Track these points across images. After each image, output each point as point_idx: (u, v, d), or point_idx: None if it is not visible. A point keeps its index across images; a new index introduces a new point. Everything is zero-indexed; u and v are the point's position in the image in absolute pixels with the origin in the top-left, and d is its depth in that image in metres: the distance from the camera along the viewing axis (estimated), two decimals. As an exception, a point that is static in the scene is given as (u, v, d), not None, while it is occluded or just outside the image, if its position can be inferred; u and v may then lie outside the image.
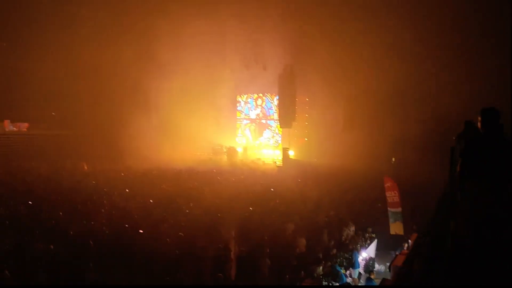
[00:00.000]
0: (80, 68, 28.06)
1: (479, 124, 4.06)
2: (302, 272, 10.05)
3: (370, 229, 14.09)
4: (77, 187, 19.17)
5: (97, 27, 26.58)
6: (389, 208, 14.40)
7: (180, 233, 12.04)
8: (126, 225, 12.67)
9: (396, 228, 13.98)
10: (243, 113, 33.55)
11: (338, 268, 10.45)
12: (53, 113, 33.14)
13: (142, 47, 26.94)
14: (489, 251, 3.70)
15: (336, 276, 10.23)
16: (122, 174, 23.94)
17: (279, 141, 31.45)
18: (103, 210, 14.67)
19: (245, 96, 33.26)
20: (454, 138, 6.24)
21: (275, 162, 30.01)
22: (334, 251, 11.66)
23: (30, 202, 15.05)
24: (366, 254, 12.81)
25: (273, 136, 32.25)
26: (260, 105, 32.77)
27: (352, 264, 11.42)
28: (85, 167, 25.30)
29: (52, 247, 10.44)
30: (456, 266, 3.72)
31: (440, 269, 3.51)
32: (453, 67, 19.29)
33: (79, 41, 27.04)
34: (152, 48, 26.78)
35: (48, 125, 31.37)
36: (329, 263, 10.57)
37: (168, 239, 11.70)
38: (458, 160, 4.17)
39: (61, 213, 13.78)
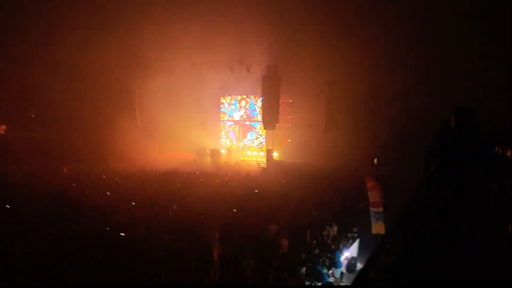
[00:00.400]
0: (62, 68, 27.54)
1: (452, 123, 4.16)
2: (286, 273, 10.11)
3: (355, 229, 14.28)
4: (58, 190, 18.87)
5: (79, 27, 26.13)
6: (371, 208, 14.61)
7: (164, 235, 11.98)
8: (108, 228, 12.54)
9: (378, 227, 14.19)
10: (227, 115, 33.54)
11: (319, 268, 10.56)
12: (32, 115, 32.47)
13: (125, 46, 26.53)
14: (463, 248, 3.82)
15: (318, 276, 10.34)
16: (104, 176, 23.65)
17: (263, 143, 31.53)
18: (85, 213, 14.47)
19: (229, 97, 33.26)
20: (431, 138, 6.39)
21: (259, 163, 30.10)
22: (317, 251, 11.77)
23: (7, 206, 14.74)
24: (348, 253, 12.98)
25: (257, 138, 32.32)
26: (244, 107, 32.82)
27: (335, 263, 11.55)
28: (65, 171, 24.89)
29: (32, 251, 10.26)
30: (429, 262, 3.82)
31: (412, 264, 3.60)
32: (431, 69, 19.68)
33: (60, 41, 26.56)
34: (136, 48, 26.44)
35: (27, 127, 30.65)
36: (310, 264, 10.68)
37: (151, 241, 11.64)
38: (434, 159, 4.29)
39: (41, 217, 13.55)
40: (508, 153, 7.10)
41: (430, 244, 4.15)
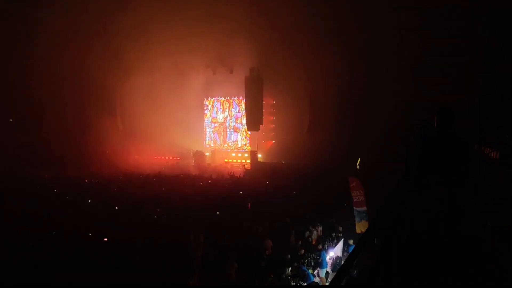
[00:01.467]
0: (40, 70, 26.98)
1: (435, 124, 4.21)
2: (271, 274, 10.10)
3: (340, 228, 14.36)
4: (38, 196, 18.49)
5: (58, 26, 25.57)
6: (354, 207, 14.71)
7: (148, 239, 11.85)
8: (90, 234, 12.34)
9: (362, 226, 14.29)
10: (210, 117, 33.40)
11: (304, 268, 10.58)
12: (10, 119, 31.74)
13: (105, 46, 26.02)
14: (442, 245, 3.87)
15: (303, 276, 10.36)
16: (86, 180, 23.29)
17: (247, 144, 31.52)
18: (66, 219, 14.19)
19: (212, 99, 33.14)
20: (411, 137, 6.48)
21: (244, 165, 30.08)
22: (302, 251, 11.80)
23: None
24: (333, 253, 13.04)
25: (241, 139, 32.29)
26: (228, 108, 32.74)
27: (320, 263, 11.59)
28: (45, 176, 24.40)
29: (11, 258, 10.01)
30: (409, 260, 3.87)
31: (392, 263, 3.63)
32: (411, 69, 19.98)
33: (38, 42, 26.01)
34: (116, 48, 26.00)
35: (4, 132, 29.88)
36: (296, 264, 10.69)
37: (136, 246, 11.50)
38: (415, 158, 4.33)
39: (19, 224, 13.24)
40: (487, 152, 7.27)
41: (409, 242, 4.19)
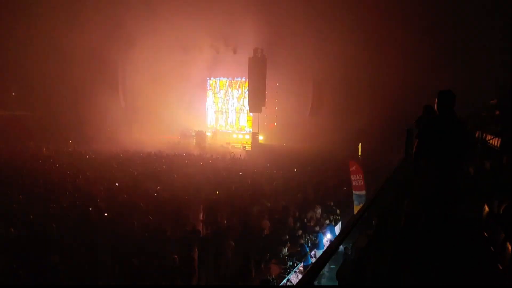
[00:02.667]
0: (42, 45, 26.72)
1: (435, 106, 4.18)
2: (268, 253, 10.22)
3: (338, 211, 14.45)
4: (40, 170, 18.62)
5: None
6: (354, 191, 14.79)
7: (149, 217, 11.96)
8: (90, 208, 12.44)
9: (360, 210, 14.40)
10: (213, 97, 33.25)
11: (307, 248, 10.69)
12: (13, 94, 31.69)
13: (108, 20, 25.60)
14: (441, 226, 3.89)
15: (303, 255, 10.48)
16: (87, 156, 23.38)
17: (249, 126, 31.43)
18: (66, 193, 14.32)
19: (215, 79, 32.93)
20: (414, 121, 6.48)
21: (245, 146, 30.08)
22: (300, 232, 11.90)
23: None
24: (331, 235, 13.16)
25: (243, 121, 32.21)
26: (230, 88, 32.57)
27: (317, 245, 11.71)
28: (44, 151, 24.47)
29: (12, 230, 10.14)
30: (403, 242, 3.89)
31: (386, 244, 3.66)
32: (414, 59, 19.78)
33: (40, 15, 25.64)
34: (120, 22, 25.64)
35: (6, 106, 29.86)
36: (299, 242, 10.81)
37: (135, 222, 11.61)
38: (415, 141, 4.32)
39: (20, 196, 13.37)
40: (487, 138, 7.25)
41: (405, 224, 4.22)
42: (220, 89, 33.01)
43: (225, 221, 11.78)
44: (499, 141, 6.74)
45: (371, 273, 3.43)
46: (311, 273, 2.42)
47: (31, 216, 11.37)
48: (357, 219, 3.35)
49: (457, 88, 4.35)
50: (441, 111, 4.03)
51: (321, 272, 2.65)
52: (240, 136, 31.79)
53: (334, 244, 2.85)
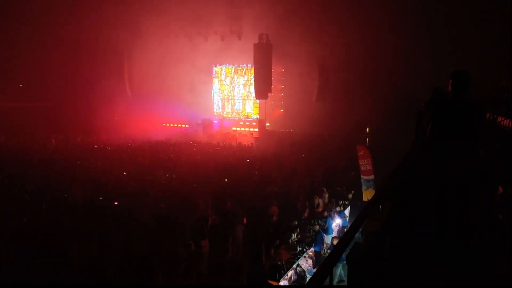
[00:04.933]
0: (48, 35, 26.71)
1: (449, 87, 4.08)
2: (277, 239, 10.28)
3: (350, 195, 14.47)
4: (50, 160, 18.81)
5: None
6: (362, 176, 14.79)
7: (161, 205, 12.05)
8: (101, 198, 12.57)
9: (369, 195, 14.41)
10: (218, 84, 33.13)
11: (322, 234, 10.73)
12: (20, 85, 31.85)
13: (114, 9, 25.41)
14: (454, 212, 3.86)
15: (310, 241, 10.53)
16: (96, 146, 23.55)
17: (256, 113, 31.36)
18: (77, 183, 14.47)
19: (221, 67, 32.76)
20: (424, 104, 6.39)
21: (252, 133, 30.06)
22: (306, 216, 11.95)
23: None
24: (340, 220, 13.19)
25: (249, 108, 32.12)
26: (236, 75, 32.41)
27: (326, 230, 11.75)
28: (53, 142, 24.67)
29: (25, 219, 10.30)
30: (416, 227, 3.88)
31: (398, 229, 3.65)
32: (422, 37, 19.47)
33: (46, 5, 25.55)
34: (125, 12, 25.46)
35: (15, 98, 30.05)
36: (313, 229, 10.87)
37: (145, 210, 11.73)
38: (427, 124, 4.25)
39: (32, 187, 13.53)
40: (498, 119, 7.15)
41: (416, 208, 4.19)
42: (226, 76, 32.84)
43: (234, 208, 11.83)
44: (510, 123, 6.65)
45: (387, 259, 3.43)
46: (325, 268, 2.40)
47: (43, 206, 11.53)
48: (371, 207, 3.33)
49: (466, 69, 4.25)
50: (456, 92, 3.94)
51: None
52: (247, 123, 31.73)
53: (349, 235, 2.84)
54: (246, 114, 32.11)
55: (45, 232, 9.57)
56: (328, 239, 11.41)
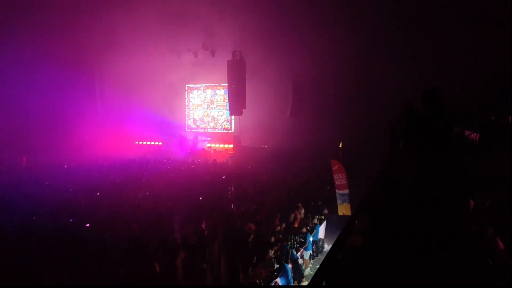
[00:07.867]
0: (13, 47, 25.57)
1: (422, 103, 4.19)
2: (254, 257, 10.16)
3: (325, 211, 14.57)
4: (17, 182, 18.10)
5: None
6: (337, 190, 14.91)
7: (133, 225, 11.74)
8: (71, 220, 12.16)
9: (344, 209, 14.53)
10: (192, 101, 32.98)
11: (287, 247, 10.69)
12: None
13: (85, 23, 24.83)
14: (429, 226, 3.92)
15: (288, 255, 10.48)
16: (66, 166, 22.87)
17: (230, 129, 31.33)
18: (45, 205, 13.94)
19: (194, 84, 32.67)
20: (397, 119, 6.52)
21: (227, 149, 29.95)
22: (281, 232, 11.91)
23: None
24: (315, 235, 13.21)
25: (223, 124, 32.08)
26: (209, 89, 32.38)
27: (306, 246, 11.74)
28: (24, 162, 23.80)
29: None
30: (396, 241, 3.91)
31: (379, 243, 3.67)
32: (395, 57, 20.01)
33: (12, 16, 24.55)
34: (97, 26, 24.94)
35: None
36: (278, 244, 10.81)
37: (117, 231, 11.40)
38: (400, 138, 4.35)
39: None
40: (468, 134, 7.39)
41: (397, 223, 4.24)
42: (200, 93, 32.78)
43: (210, 226, 11.67)
44: (477, 136, 6.88)
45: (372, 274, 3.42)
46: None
47: (10, 230, 11.03)
48: (352, 223, 3.34)
49: (437, 84, 4.39)
50: (428, 108, 4.06)
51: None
52: (222, 139, 31.58)
53: (332, 253, 2.83)
54: (222, 127, 32.12)
55: (14, 257, 9.15)
56: (306, 255, 11.41)
